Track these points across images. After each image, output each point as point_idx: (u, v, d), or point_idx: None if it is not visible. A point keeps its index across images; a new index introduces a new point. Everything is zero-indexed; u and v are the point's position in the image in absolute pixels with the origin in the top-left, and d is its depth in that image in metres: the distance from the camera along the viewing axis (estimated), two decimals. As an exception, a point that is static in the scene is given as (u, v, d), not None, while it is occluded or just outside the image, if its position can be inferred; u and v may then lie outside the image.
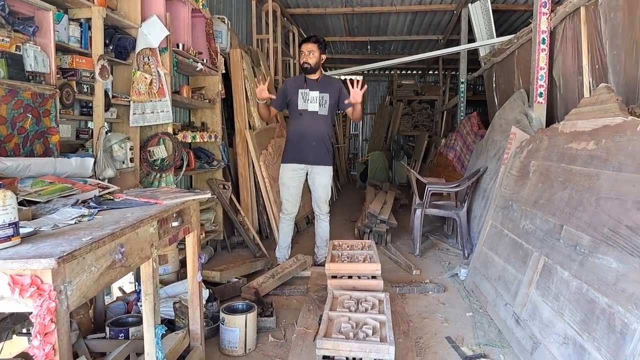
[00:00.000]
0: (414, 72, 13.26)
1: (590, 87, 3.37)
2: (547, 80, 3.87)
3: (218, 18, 4.43)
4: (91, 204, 1.60)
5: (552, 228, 2.29)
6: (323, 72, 3.64)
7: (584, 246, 1.97)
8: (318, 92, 3.46)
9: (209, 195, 1.96)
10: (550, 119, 3.95)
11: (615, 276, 1.70)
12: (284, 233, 3.67)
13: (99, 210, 1.56)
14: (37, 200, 1.60)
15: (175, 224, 1.73)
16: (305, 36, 9.17)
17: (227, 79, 4.53)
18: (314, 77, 3.51)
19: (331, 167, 3.60)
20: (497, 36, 6.27)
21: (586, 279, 1.86)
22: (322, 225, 3.72)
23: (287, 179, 3.55)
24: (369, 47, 10.26)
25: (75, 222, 1.41)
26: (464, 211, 4.04)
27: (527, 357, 2.11)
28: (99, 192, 1.80)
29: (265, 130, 4.74)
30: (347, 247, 3.16)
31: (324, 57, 3.51)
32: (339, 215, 6.18)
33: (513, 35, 5.01)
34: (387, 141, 11.00)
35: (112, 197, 1.81)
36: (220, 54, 4.16)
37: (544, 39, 3.86)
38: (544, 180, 2.64)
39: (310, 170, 3.55)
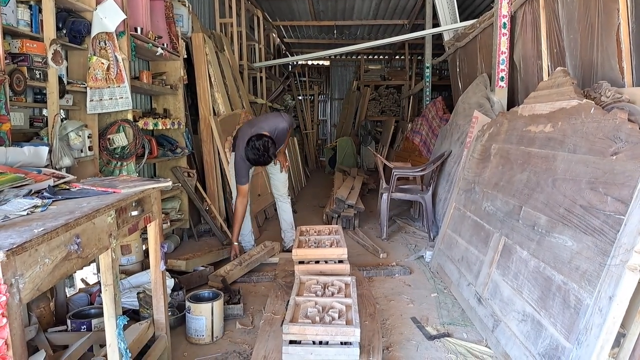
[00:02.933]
0: (381, 57, 13.32)
1: (549, 71, 3.46)
2: (508, 65, 3.96)
3: (178, 1, 4.29)
4: (45, 194, 1.53)
5: (512, 209, 2.37)
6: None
7: (541, 226, 2.04)
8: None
9: (169, 184, 1.91)
10: (512, 103, 4.06)
11: (570, 254, 1.78)
12: (246, 219, 3.63)
13: (53, 201, 1.49)
14: (-15, 191, 1.52)
15: (134, 213, 1.68)
16: (270, 20, 9.06)
17: (190, 64, 4.41)
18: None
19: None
20: (461, 21, 6.36)
21: (543, 257, 1.94)
22: (284, 208, 3.76)
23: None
24: (335, 31, 10.21)
25: (27, 214, 1.34)
26: (429, 195, 4.12)
27: (488, 335, 2.18)
28: (54, 181, 1.72)
29: (230, 117, 4.66)
30: (315, 232, 3.17)
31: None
32: (308, 201, 6.19)
33: (475, 20, 5.08)
34: (355, 127, 11.05)
35: (68, 187, 1.74)
36: (182, 38, 4.04)
37: (504, 24, 3.93)
38: (504, 163, 2.71)
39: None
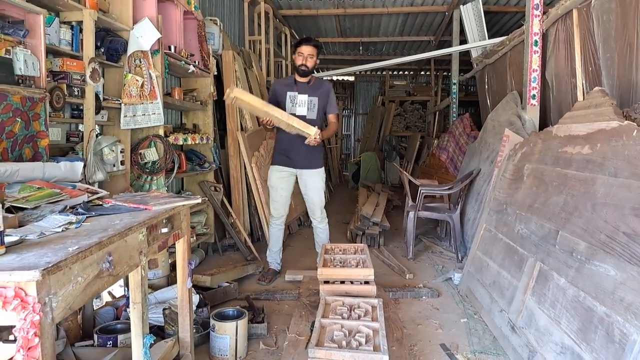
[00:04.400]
0: (406, 72, 13.29)
1: (583, 89, 3.37)
2: (539, 82, 3.88)
3: (210, 20, 4.38)
4: (79, 210, 1.55)
5: (548, 233, 2.28)
6: (314, 74, 3.54)
7: (580, 252, 1.95)
8: (307, 95, 3.32)
9: (199, 201, 1.92)
10: (543, 121, 3.96)
11: (613, 284, 1.69)
12: (275, 237, 3.57)
13: (87, 217, 1.51)
14: (24, 206, 1.55)
15: (164, 230, 1.69)
16: (297, 37, 9.19)
17: (219, 80, 4.48)
18: (304, 79, 3.36)
19: (322, 169, 3.47)
20: (489, 37, 6.29)
21: (583, 286, 1.85)
22: (318, 233, 3.60)
23: (275, 180, 3.43)
24: (361, 48, 10.26)
25: (62, 230, 1.36)
26: (457, 214, 4.03)
27: (522, 364, 2.09)
28: (88, 197, 1.75)
29: (257, 132, 4.70)
30: (340, 251, 3.13)
31: (317, 61, 3.39)
32: (331, 217, 6.11)
33: (505, 37, 5.02)
34: (379, 142, 11.00)
35: (101, 203, 1.76)
36: (213, 56, 4.12)
37: (536, 41, 3.86)
38: (538, 184, 2.63)
39: (300, 174, 3.43)
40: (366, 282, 2.71)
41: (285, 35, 7.78)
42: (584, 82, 3.38)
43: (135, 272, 1.50)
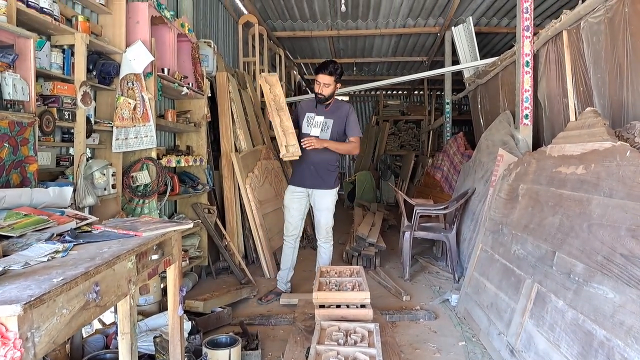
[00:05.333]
0: (400, 92, 13.42)
1: (575, 109, 3.40)
2: (532, 102, 3.91)
3: (204, 42, 4.41)
4: (67, 237, 1.51)
5: (544, 254, 2.26)
6: (336, 98, 3.54)
7: (578, 274, 1.93)
8: (323, 117, 3.38)
9: (190, 226, 1.88)
10: (537, 141, 3.98)
11: (612, 307, 1.66)
12: (285, 255, 3.56)
13: (74, 245, 1.47)
14: (9, 234, 1.51)
15: (155, 257, 1.65)
16: (292, 59, 9.29)
17: (213, 101, 4.49)
18: (325, 102, 3.42)
19: (333, 190, 3.46)
20: (481, 57, 6.38)
21: (582, 309, 1.82)
22: (320, 252, 3.57)
23: (288, 200, 3.49)
24: (354, 68, 10.36)
25: (48, 259, 1.32)
26: (453, 233, 4.01)
27: (523, 389, 2.04)
28: (76, 223, 1.72)
29: (252, 153, 4.69)
30: (335, 273, 3.08)
31: (339, 85, 3.40)
32: (327, 238, 6.09)
33: (497, 58, 5.08)
34: (374, 161, 11.02)
35: (90, 229, 1.73)
36: (207, 78, 4.13)
37: (527, 62, 3.90)
38: (533, 204, 2.62)
39: (311, 194, 3.46)
40: (362, 306, 2.66)
41: (280, 56, 7.84)
42: (575, 102, 3.41)
43: (124, 301, 1.47)
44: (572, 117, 3.40)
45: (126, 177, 2.90)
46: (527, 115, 3.89)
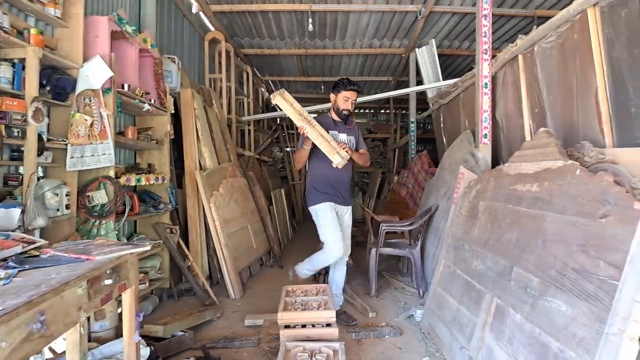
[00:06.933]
0: (367, 111, 13.65)
1: (530, 129, 3.53)
2: (490, 122, 4.04)
3: (168, 58, 4.36)
4: (10, 263, 1.44)
5: (503, 269, 2.31)
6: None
7: (534, 288, 1.98)
8: (345, 135, 3.39)
9: (148, 248, 1.82)
10: (496, 159, 4.11)
11: (565, 320, 1.71)
12: (320, 265, 3.40)
13: (19, 271, 1.39)
14: (-54, 260, 1.42)
15: (109, 281, 1.58)
16: (259, 76, 9.30)
17: (177, 118, 4.42)
18: (340, 119, 3.43)
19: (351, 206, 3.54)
20: (444, 78, 6.58)
21: (538, 322, 1.86)
22: (341, 270, 3.48)
23: (332, 217, 3.26)
24: (322, 86, 10.49)
25: (-12, 287, 1.24)
26: (418, 249, 4.05)
27: (484, 405, 2.05)
28: (23, 247, 1.63)
29: (217, 171, 4.62)
30: (302, 292, 3.05)
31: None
32: (294, 254, 6.05)
33: (458, 79, 5.26)
34: (342, 178, 11.07)
35: (38, 253, 1.64)
36: (170, 94, 4.07)
37: (486, 84, 4.05)
38: (492, 221, 2.68)
39: (340, 210, 3.40)
40: (328, 325, 2.64)
41: (247, 73, 7.85)
42: (531, 122, 3.55)
43: (72, 330, 1.39)
44: (528, 137, 3.54)
45: (82, 196, 2.80)
46: (486, 134, 4.02)
